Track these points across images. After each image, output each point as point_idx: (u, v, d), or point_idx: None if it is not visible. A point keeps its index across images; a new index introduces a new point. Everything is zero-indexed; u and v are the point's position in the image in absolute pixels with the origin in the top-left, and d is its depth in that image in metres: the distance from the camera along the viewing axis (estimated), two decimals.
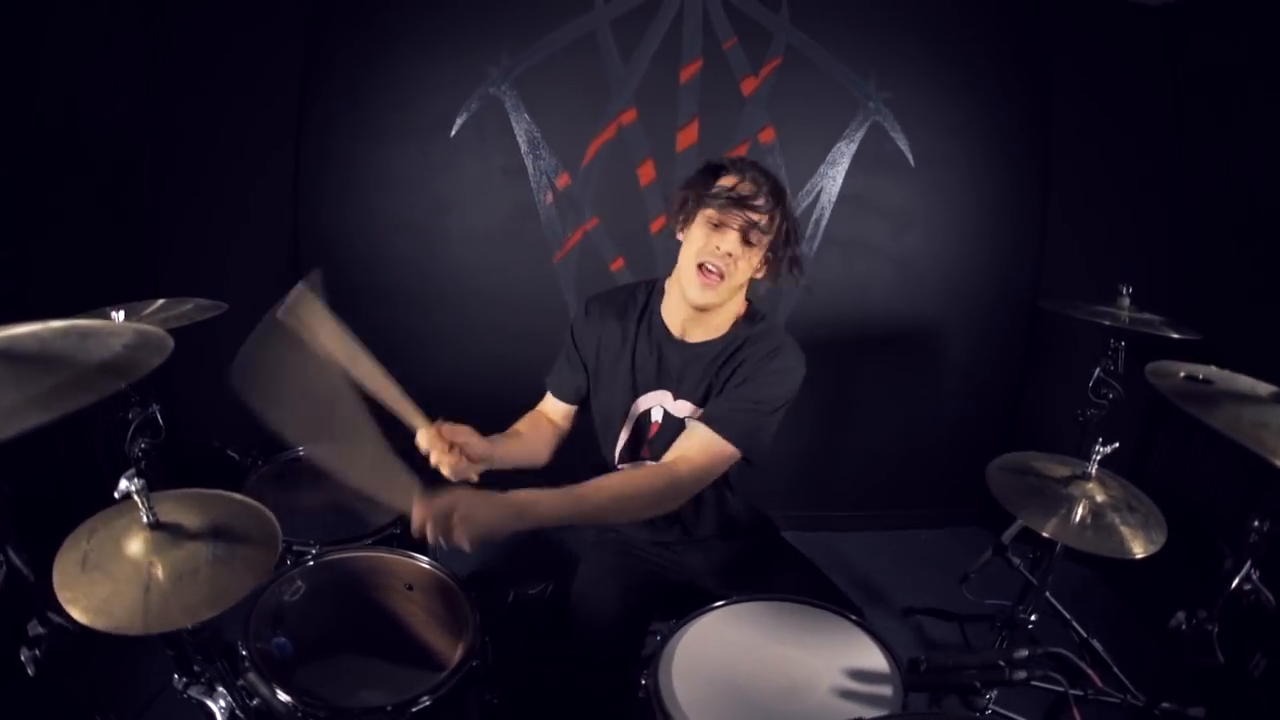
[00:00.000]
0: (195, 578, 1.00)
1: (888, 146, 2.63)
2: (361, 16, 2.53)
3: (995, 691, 1.49)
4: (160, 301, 1.65)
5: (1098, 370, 2.10)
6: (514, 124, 2.58)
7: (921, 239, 2.73)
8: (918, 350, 2.85)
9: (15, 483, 0.98)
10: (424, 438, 1.31)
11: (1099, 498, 1.51)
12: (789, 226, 1.43)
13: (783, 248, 1.43)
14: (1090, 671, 1.20)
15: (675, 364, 1.51)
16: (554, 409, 1.66)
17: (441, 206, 2.66)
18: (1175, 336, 1.88)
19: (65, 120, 2.03)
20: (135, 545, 1.04)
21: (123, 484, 1.04)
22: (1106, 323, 1.97)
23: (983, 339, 2.87)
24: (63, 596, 0.95)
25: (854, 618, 1.34)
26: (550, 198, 2.63)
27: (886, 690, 1.17)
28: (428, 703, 1.16)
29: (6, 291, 1.84)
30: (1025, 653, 1.08)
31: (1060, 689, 1.13)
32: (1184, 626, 1.13)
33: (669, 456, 1.43)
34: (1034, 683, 1.07)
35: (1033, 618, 1.87)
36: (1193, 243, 2.58)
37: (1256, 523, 1.10)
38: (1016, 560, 2.11)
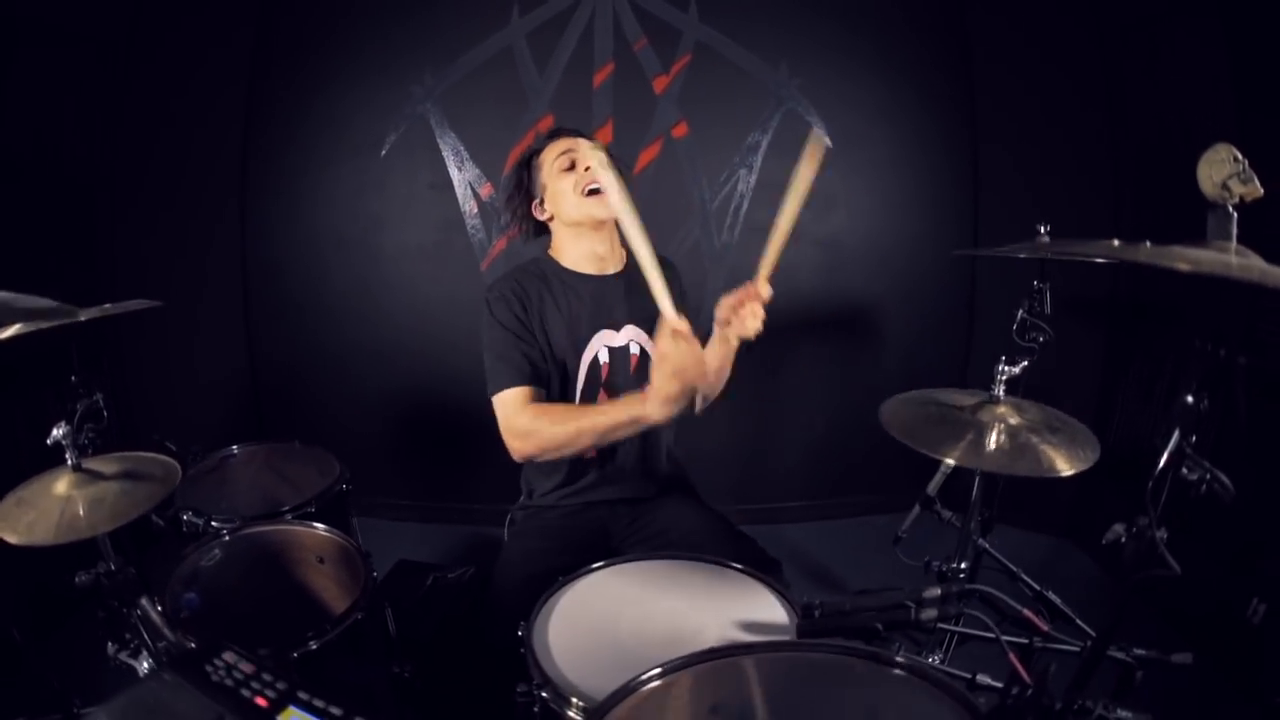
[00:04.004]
0: (102, 504, 1.44)
1: (804, 131, 3.04)
2: (299, 53, 3.11)
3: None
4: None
5: (1020, 312, 2.20)
6: (439, 139, 3.09)
7: (846, 218, 3.14)
8: (853, 331, 3.23)
9: None
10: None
11: (1013, 420, 1.66)
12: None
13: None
14: (1029, 614, 1.25)
15: (607, 299, 1.89)
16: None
17: (376, 223, 3.18)
18: (1101, 261, 2.08)
19: (33, 151, 2.58)
20: (61, 486, 1.49)
21: (55, 432, 1.50)
22: (1023, 255, 1.99)
23: (922, 314, 3.25)
24: None
25: (759, 575, 1.46)
26: (475, 208, 3.11)
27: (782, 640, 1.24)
28: (314, 647, 1.44)
29: None
30: (937, 591, 1.10)
31: (991, 635, 1.15)
32: (1124, 539, 1.02)
33: None
34: (946, 625, 1.14)
35: (962, 565, 2.05)
36: (1133, 190, 2.87)
37: (1190, 398, 0.98)
38: (948, 514, 2.29)
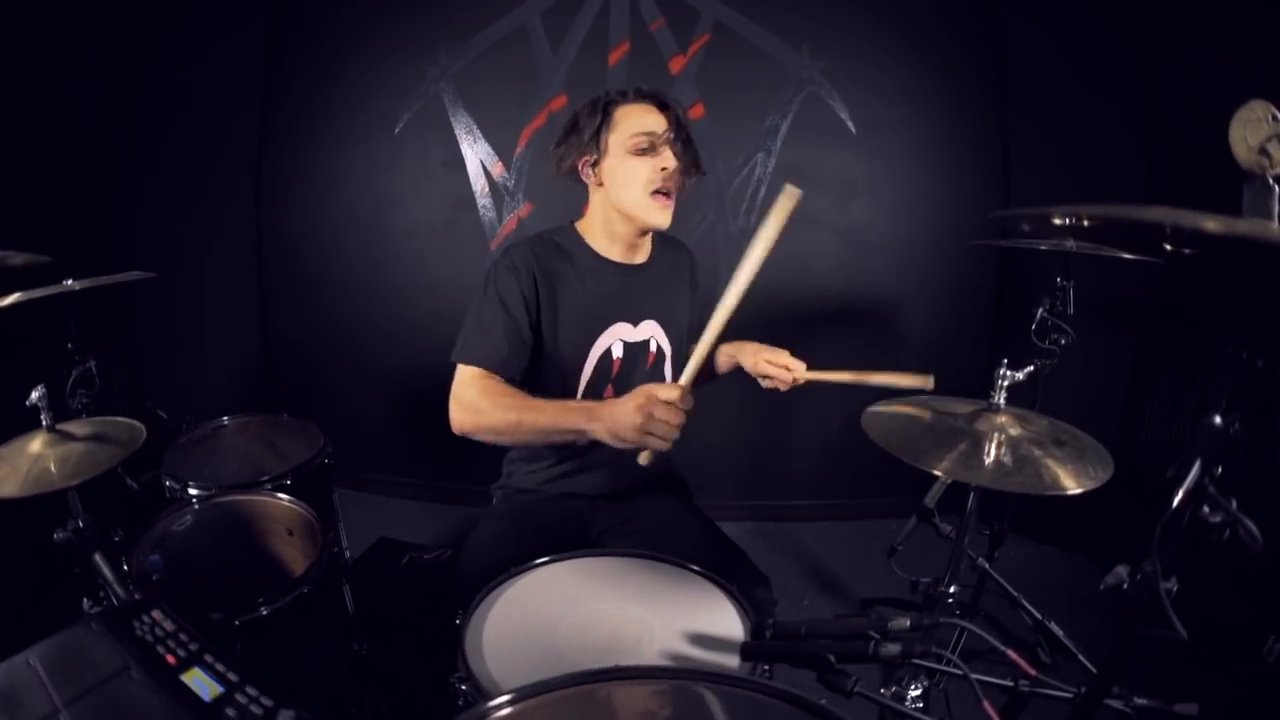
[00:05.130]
0: (68, 463, 1.49)
1: (826, 116, 2.98)
2: (316, 32, 3.14)
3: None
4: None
5: (1041, 311, 2.13)
6: (452, 118, 3.09)
7: (868, 207, 3.06)
8: (871, 326, 3.14)
9: None
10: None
11: (1014, 431, 1.53)
12: (688, 129, 1.71)
13: (692, 150, 1.71)
14: (1013, 654, 1.13)
15: (629, 290, 1.77)
16: None
17: (388, 201, 3.20)
18: (1128, 257, 1.91)
19: (48, 124, 2.63)
20: (35, 445, 1.57)
21: (33, 394, 1.56)
22: (1043, 247, 2.00)
23: (945, 311, 3.14)
24: None
25: (722, 582, 1.37)
26: (486, 186, 3.11)
27: (732, 659, 1.17)
28: (264, 613, 1.45)
29: None
30: (905, 623, 1.04)
31: (959, 673, 1.06)
32: (1126, 585, 0.85)
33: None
34: (918, 661, 1.03)
35: (952, 589, 1.89)
36: (1167, 183, 2.70)
37: (1218, 419, 0.81)
38: (946, 527, 2.14)
